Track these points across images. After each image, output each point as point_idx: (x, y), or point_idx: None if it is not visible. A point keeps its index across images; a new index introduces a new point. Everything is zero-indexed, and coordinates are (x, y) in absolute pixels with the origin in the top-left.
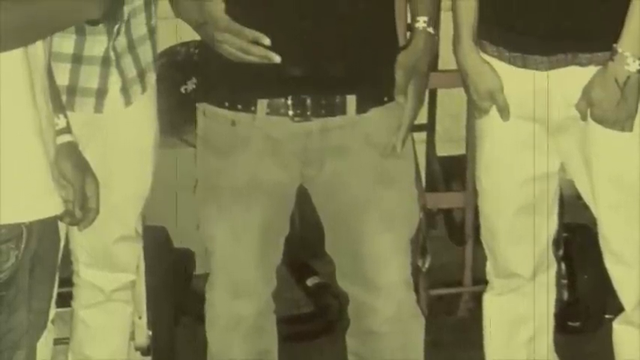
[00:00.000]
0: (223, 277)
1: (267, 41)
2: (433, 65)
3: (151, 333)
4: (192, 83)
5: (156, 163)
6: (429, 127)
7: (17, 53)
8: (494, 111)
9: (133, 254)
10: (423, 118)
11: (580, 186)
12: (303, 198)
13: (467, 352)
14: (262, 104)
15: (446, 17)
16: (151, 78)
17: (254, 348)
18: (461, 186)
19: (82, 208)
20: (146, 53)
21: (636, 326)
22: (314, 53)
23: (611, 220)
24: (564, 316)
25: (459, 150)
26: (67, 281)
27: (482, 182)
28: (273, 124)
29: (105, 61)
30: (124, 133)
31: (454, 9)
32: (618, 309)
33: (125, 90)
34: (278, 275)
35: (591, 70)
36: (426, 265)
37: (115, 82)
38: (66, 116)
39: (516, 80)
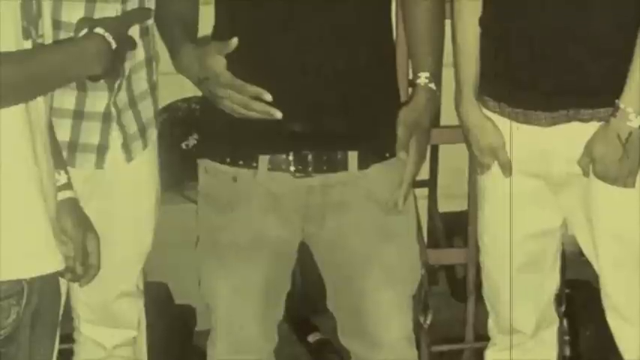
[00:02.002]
0: (224, 334)
1: (268, 97)
2: (435, 121)
3: None
4: (194, 139)
5: (157, 219)
6: (431, 183)
7: (18, 109)
8: (496, 167)
9: (135, 310)
10: (424, 174)
11: (582, 242)
12: (304, 254)
13: None
14: (264, 160)
15: (447, 73)
16: (152, 134)
17: None
18: (463, 242)
19: (83, 264)
20: (147, 109)
21: None
22: (315, 109)
23: (613, 277)
24: None
25: (461, 206)
26: (68, 337)
27: (484, 238)
28: (275, 180)
29: (106, 117)
30: (125, 189)
31: (456, 65)
32: None
33: (126, 146)
34: (279, 331)
35: (593, 126)
36: (428, 322)
37: (116, 138)
38: (67, 172)
39: (518, 136)
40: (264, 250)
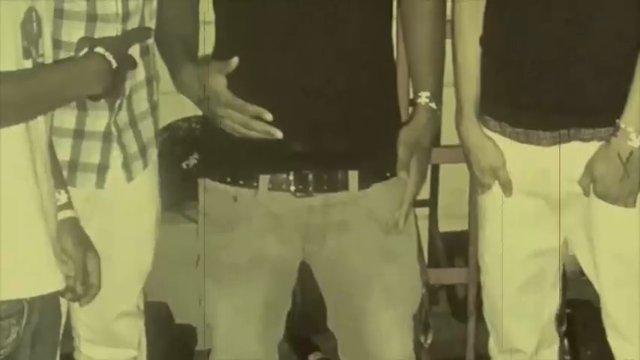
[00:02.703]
0: (225, 353)
1: (269, 116)
2: (435, 141)
3: None
4: (194, 158)
5: (157, 239)
6: (432, 203)
7: (18, 128)
8: (496, 187)
9: (135, 330)
10: (425, 194)
11: (583, 261)
12: (304, 273)
13: None
14: (264, 180)
15: (448, 92)
16: (153, 153)
17: None
18: (463, 262)
19: (84, 283)
20: (148, 129)
21: None
22: (316, 129)
23: (614, 296)
24: None
25: (462, 226)
26: (68, 357)
27: (485, 258)
28: (275, 200)
29: (106, 137)
30: (126, 209)
31: (456, 84)
32: None
33: (127, 165)
34: (280, 351)
35: (594, 146)
36: (429, 341)
37: (116, 157)
38: (67, 192)
39: (519, 156)
40: (264, 269)
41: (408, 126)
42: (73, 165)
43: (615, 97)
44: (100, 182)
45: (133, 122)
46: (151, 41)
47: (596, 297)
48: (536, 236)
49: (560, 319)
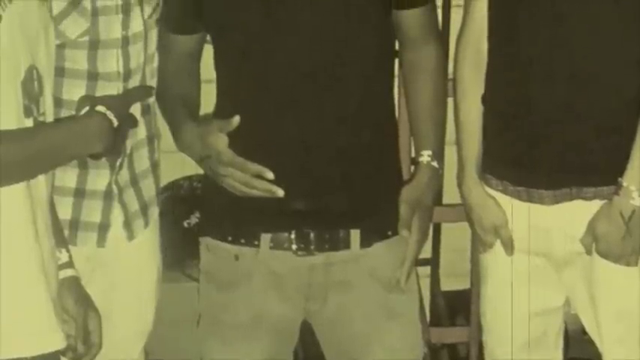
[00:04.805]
0: None
1: (270, 175)
2: (437, 199)
3: None
4: (196, 217)
5: (159, 298)
6: (433, 262)
7: (19, 187)
8: (498, 245)
9: None
10: (427, 253)
11: (585, 320)
12: (306, 331)
13: None
14: (266, 239)
15: (450, 151)
16: (154, 212)
17: None
18: (465, 321)
19: (85, 342)
20: (149, 187)
21: None
22: (317, 187)
23: (616, 355)
24: None
25: (464, 285)
26: None
27: (487, 317)
28: (277, 259)
29: (107, 195)
30: (127, 268)
31: (458, 143)
32: None
33: (128, 224)
34: None
35: (596, 204)
36: None
37: (117, 216)
38: (68, 250)
39: (521, 214)
40: (265, 328)
41: (410, 184)
42: (74, 224)
43: (617, 156)
44: (101, 241)
45: (134, 181)
46: (152, 100)
47: (598, 356)
48: (538, 295)
49: None
